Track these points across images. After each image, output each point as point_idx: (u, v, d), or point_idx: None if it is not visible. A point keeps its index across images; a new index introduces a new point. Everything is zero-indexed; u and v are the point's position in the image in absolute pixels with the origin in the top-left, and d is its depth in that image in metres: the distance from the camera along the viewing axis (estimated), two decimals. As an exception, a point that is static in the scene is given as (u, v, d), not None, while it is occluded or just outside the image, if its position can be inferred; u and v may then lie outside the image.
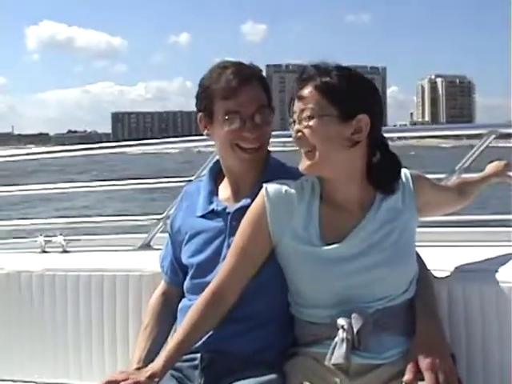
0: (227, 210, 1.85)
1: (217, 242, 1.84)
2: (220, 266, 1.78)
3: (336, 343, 1.62)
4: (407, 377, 1.59)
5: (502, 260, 2.05)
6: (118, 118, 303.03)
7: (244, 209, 1.79)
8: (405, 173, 1.78)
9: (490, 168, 2.16)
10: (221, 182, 1.94)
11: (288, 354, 1.75)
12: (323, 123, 1.64)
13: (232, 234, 1.80)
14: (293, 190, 1.74)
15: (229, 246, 1.80)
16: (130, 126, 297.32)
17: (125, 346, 2.34)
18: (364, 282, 1.66)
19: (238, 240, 1.75)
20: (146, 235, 2.79)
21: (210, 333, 1.75)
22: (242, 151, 1.84)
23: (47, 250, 2.83)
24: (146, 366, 1.74)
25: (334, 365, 1.62)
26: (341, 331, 1.62)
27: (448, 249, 2.34)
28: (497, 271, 1.93)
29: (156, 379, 1.63)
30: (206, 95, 1.86)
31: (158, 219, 2.78)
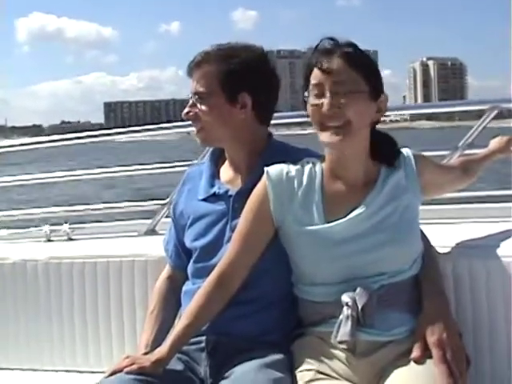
0: (229, 193, 1.84)
1: (219, 225, 1.83)
2: (223, 249, 1.78)
3: (341, 321, 1.61)
4: (415, 354, 1.59)
5: (505, 235, 2.04)
6: (110, 108, 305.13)
7: (245, 191, 1.78)
8: (407, 151, 1.78)
9: (493, 144, 2.15)
10: (222, 165, 1.93)
11: (294, 334, 1.75)
12: (359, 98, 1.63)
13: (234, 216, 1.79)
14: (294, 172, 1.73)
15: (231, 228, 1.79)
16: (123, 115, 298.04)
17: (132, 330, 2.35)
18: (367, 262, 1.65)
19: (242, 224, 1.75)
20: (150, 221, 2.79)
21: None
22: None
23: (52, 238, 2.84)
24: (153, 350, 1.74)
25: (339, 342, 1.61)
26: (345, 308, 1.61)
27: (451, 225, 2.33)
28: (501, 246, 1.93)
29: (163, 363, 1.65)
30: None
31: (162, 204, 2.78)
